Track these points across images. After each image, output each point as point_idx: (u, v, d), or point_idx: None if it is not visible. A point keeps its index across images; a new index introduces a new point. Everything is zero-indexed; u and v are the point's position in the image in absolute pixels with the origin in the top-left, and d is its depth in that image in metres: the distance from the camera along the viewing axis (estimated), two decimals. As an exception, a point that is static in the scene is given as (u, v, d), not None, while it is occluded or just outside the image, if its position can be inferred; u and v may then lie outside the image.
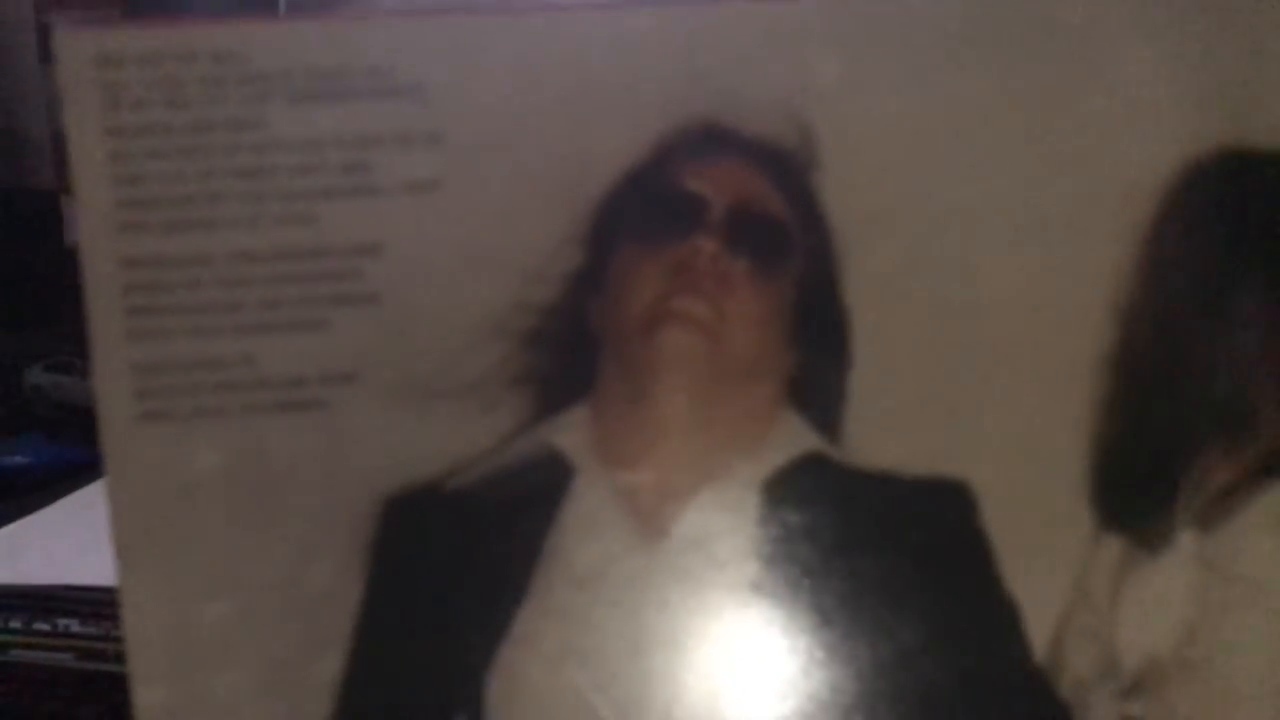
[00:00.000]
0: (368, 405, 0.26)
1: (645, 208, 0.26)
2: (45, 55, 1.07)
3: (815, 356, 0.27)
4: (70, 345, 0.93)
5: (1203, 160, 0.27)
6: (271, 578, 0.26)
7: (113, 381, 0.25)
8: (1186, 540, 0.28)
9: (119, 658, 0.50)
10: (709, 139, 0.26)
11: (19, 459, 0.81)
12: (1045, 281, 0.27)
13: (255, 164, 0.25)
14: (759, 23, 0.26)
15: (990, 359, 0.27)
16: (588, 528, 0.27)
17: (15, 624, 0.52)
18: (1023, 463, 0.27)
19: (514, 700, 0.27)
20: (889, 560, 0.27)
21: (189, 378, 0.25)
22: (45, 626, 0.52)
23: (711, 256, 0.27)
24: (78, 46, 0.24)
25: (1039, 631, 0.28)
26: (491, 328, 0.26)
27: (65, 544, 0.61)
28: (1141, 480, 0.28)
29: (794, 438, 0.27)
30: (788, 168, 0.27)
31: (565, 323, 0.27)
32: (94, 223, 0.25)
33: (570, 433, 0.27)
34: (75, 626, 0.52)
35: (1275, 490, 0.28)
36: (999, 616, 0.27)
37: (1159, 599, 0.28)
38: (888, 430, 0.27)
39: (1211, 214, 0.27)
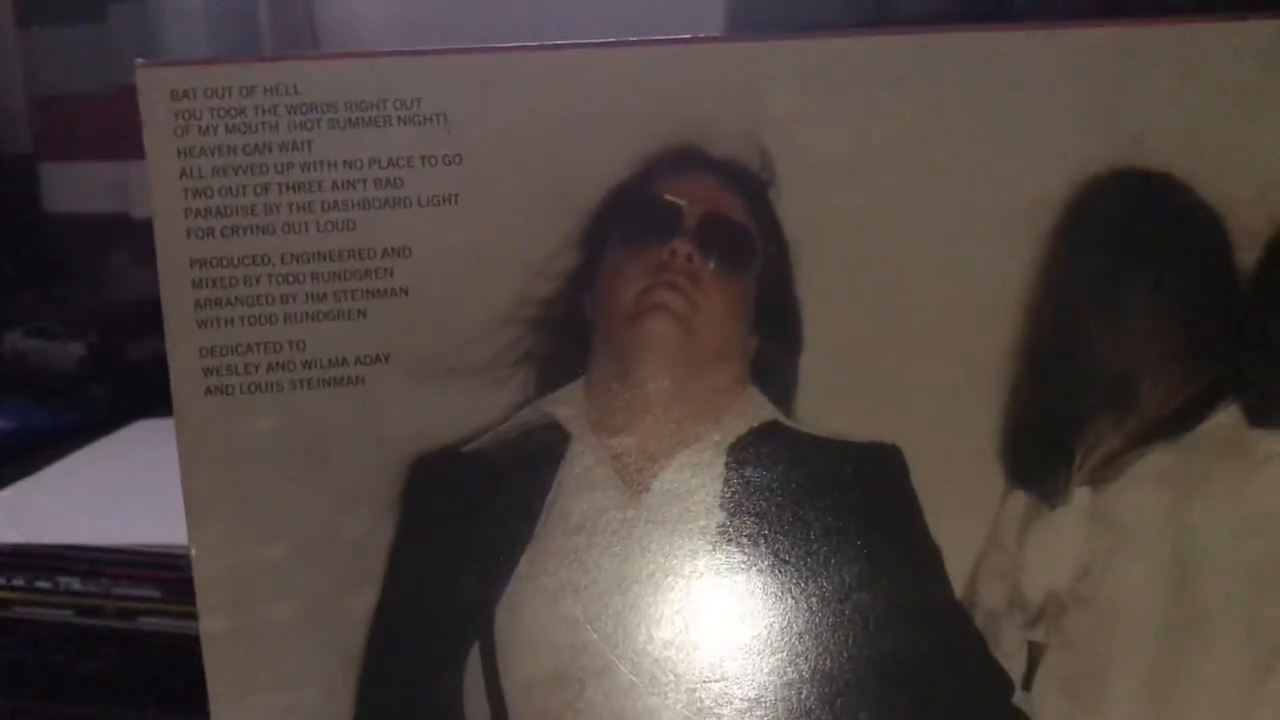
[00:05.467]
0: (398, 381, 0.29)
1: (631, 216, 0.29)
2: (22, 19, 1.00)
3: (772, 342, 0.30)
4: (49, 311, 0.90)
5: (1097, 178, 0.30)
6: (317, 525, 0.29)
7: (183, 361, 0.28)
8: (1080, 496, 0.31)
9: (117, 614, 0.52)
10: (685, 159, 0.29)
11: (3, 423, 0.79)
12: (963, 280, 0.30)
13: (304, 179, 0.28)
14: (727, 62, 0.29)
15: (918, 345, 0.30)
16: (582, 484, 0.30)
17: (18, 582, 0.53)
18: (945, 431, 0.30)
19: (519, 628, 0.30)
20: (833, 511, 0.30)
21: (248, 358, 0.28)
22: (46, 584, 0.52)
23: (686, 257, 0.30)
24: (156, 81, 0.27)
25: (958, 572, 0.31)
26: (501, 317, 0.29)
27: (65, 506, 0.62)
28: (1043, 446, 0.31)
29: (754, 409, 0.30)
30: (750, 184, 0.30)
31: (563, 313, 0.29)
32: (167, 228, 0.28)
33: (567, 405, 0.30)
34: (75, 585, 0.52)
35: (1152, 455, 0.31)
36: (924, 558, 0.31)
37: (1057, 544, 0.31)
38: (833, 403, 0.30)
39: (1104, 224, 0.30)
